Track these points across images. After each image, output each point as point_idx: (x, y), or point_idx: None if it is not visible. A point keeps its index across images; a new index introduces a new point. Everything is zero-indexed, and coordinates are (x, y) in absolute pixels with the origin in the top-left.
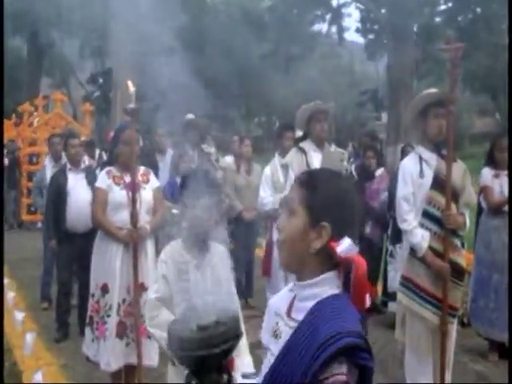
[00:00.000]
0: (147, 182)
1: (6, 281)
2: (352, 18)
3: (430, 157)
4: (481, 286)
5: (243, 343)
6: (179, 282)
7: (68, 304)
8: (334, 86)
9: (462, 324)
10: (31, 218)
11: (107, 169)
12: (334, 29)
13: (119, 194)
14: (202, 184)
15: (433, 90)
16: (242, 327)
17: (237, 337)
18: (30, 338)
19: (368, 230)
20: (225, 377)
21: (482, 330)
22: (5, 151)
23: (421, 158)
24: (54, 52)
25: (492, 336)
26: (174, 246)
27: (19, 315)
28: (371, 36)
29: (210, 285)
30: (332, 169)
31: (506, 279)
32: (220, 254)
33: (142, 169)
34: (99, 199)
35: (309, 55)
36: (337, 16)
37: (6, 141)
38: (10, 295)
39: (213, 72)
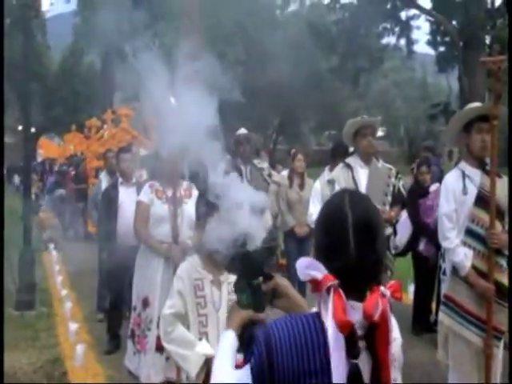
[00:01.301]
0: (190, 196)
1: (64, 292)
2: (422, 30)
3: (474, 173)
4: None
5: None
6: (194, 299)
7: (119, 316)
8: (405, 98)
9: None
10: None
11: (150, 182)
12: (403, 41)
13: (161, 208)
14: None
15: (476, 104)
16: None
17: (273, 240)
18: (80, 349)
19: (422, 246)
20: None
21: None
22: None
23: (464, 174)
24: (127, 66)
25: None
26: (191, 262)
27: (72, 326)
28: (442, 48)
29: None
30: (339, 191)
31: None
32: None
33: (184, 183)
34: (141, 213)
35: (378, 68)
36: (405, 29)
37: (71, 154)
38: (67, 306)
39: (282, 85)
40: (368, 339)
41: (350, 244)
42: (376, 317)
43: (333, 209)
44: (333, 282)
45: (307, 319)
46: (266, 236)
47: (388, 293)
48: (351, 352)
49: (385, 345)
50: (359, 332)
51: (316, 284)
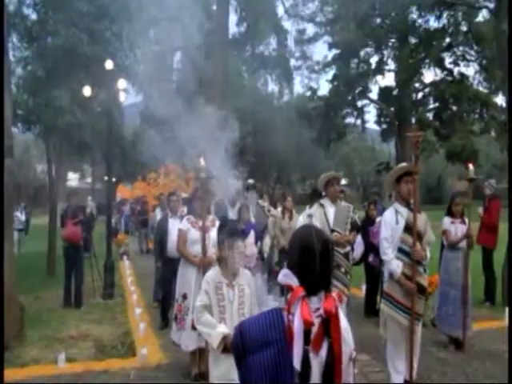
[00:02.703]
0: (214, 225)
1: (132, 288)
2: (371, 113)
3: (403, 210)
4: (443, 298)
5: None
6: (215, 295)
7: (168, 305)
8: (361, 159)
9: (433, 325)
10: None
11: (187, 216)
12: (359, 121)
13: (194, 234)
14: (232, 231)
15: (404, 164)
16: None
17: None
18: (142, 326)
19: (371, 259)
20: None
21: (444, 329)
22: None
23: (396, 211)
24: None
25: (450, 333)
26: (214, 271)
27: (137, 311)
28: (384, 126)
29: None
30: (306, 226)
31: (459, 294)
32: (246, 276)
33: (210, 217)
34: (181, 237)
35: (343, 139)
36: (360, 113)
37: (137, 195)
38: (134, 297)
39: (279, 150)
40: (326, 327)
41: (317, 265)
42: (333, 311)
43: (305, 241)
44: (302, 293)
45: (272, 312)
46: None
47: (336, 298)
48: (306, 340)
49: (338, 330)
50: (317, 320)
51: (289, 288)
